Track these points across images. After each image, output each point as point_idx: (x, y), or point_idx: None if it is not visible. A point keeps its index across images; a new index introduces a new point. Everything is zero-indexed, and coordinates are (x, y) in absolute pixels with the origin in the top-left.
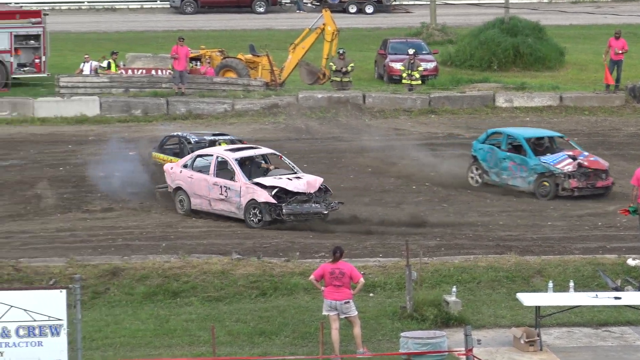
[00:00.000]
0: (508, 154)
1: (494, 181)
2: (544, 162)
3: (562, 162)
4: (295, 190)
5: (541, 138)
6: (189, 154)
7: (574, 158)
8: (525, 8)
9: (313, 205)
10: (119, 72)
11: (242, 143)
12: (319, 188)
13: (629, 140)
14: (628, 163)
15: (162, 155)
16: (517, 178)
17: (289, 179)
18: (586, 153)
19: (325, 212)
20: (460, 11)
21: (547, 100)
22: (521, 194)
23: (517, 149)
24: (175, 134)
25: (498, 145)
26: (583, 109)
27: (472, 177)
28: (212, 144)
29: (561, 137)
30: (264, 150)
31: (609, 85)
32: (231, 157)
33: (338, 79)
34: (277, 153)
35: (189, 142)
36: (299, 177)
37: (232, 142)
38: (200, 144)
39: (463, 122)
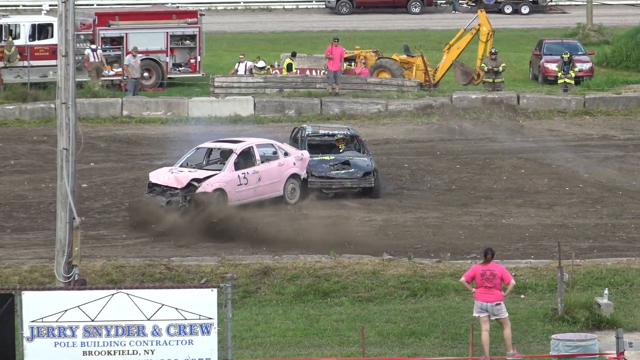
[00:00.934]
0: None
1: None
2: None
3: None
4: (161, 183)
5: None
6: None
7: None
8: None
9: (157, 197)
10: (273, 72)
11: (358, 138)
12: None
13: None
14: None
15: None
16: None
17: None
18: None
19: (163, 204)
20: (617, 12)
21: None
22: None
23: None
24: (302, 126)
25: None
26: None
27: None
28: (328, 136)
29: None
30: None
31: None
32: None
33: (490, 80)
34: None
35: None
36: (189, 172)
37: (349, 135)
38: (314, 136)
39: (618, 124)
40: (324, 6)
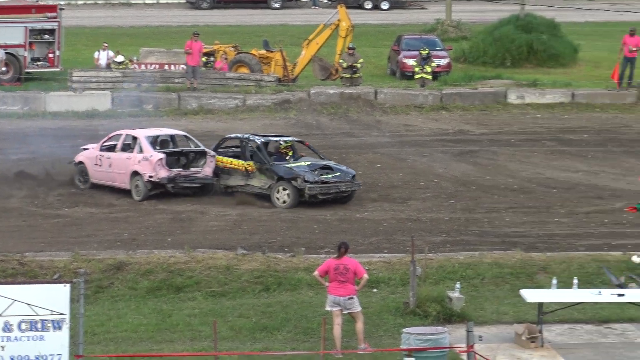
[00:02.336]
0: None
1: None
2: None
3: None
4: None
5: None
6: (251, 155)
7: None
8: (542, 5)
9: None
10: (132, 66)
11: (305, 143)
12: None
13: (639, 138)
14: (637, 160)
15: (224, 158)
16: None
17: None
18: None
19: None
20: (475, 8)
21: (559, 97)
22: (528, 190)
23: None
24: (234, 135)
25: None
26: (594, 106)
27: None
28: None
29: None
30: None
31: (621, 82)
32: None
33: (348, 75)
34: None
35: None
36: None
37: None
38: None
39: (474, 119)
40: (185, 1)
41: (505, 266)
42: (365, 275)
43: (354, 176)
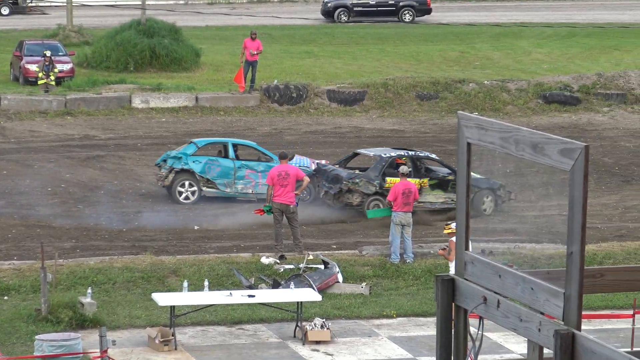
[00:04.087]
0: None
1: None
2: None
3: None
4: None
5: None
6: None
7: None
8: (162, 9)
9: None
10: None
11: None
12: None
13: (262, 140)
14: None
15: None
16: None
17: None
18: None
19: None
20: (97, 12)
21: (183, 100)
22: (155, 195)
23: None
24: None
25: None
26: (219, 109)
27: None
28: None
29: None
30: None
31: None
32: None
33: None
34: None
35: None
36: None
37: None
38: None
39: (99, 124)
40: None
41: (136, 270)
42: None
43: None
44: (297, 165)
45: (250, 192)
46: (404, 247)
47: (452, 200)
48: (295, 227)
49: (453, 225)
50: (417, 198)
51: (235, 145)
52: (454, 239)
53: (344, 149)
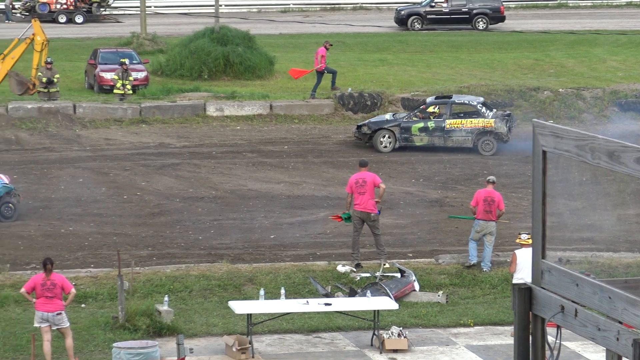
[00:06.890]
0: None
1: None
2: None
3: None
4: None
5: None
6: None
7: None
8: (235, 17)
9: None
10: None
11: None
12: None
13: (337, 148)
14: (337, 170)
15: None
16: None
17: None
18: None
19: None
20: (170, 20)
21: (257, 108)
22: (232, 202)
23: None
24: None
25: None
26: (293, 117)
27: None
28: None
29: None
30: None
31: (315, 88)
32: None
33: (45, 90)
34: None
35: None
36: None
37: None
38: None
39: (174, 132)
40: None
41: (213, 278)
42: (73, 290)
43: None
44: None
45: None
46: (483, 256)
47: None
48: (377, 235)
49: (522, 236)
50: (501, 208)
51: None
52: (520, 249)
53: None
